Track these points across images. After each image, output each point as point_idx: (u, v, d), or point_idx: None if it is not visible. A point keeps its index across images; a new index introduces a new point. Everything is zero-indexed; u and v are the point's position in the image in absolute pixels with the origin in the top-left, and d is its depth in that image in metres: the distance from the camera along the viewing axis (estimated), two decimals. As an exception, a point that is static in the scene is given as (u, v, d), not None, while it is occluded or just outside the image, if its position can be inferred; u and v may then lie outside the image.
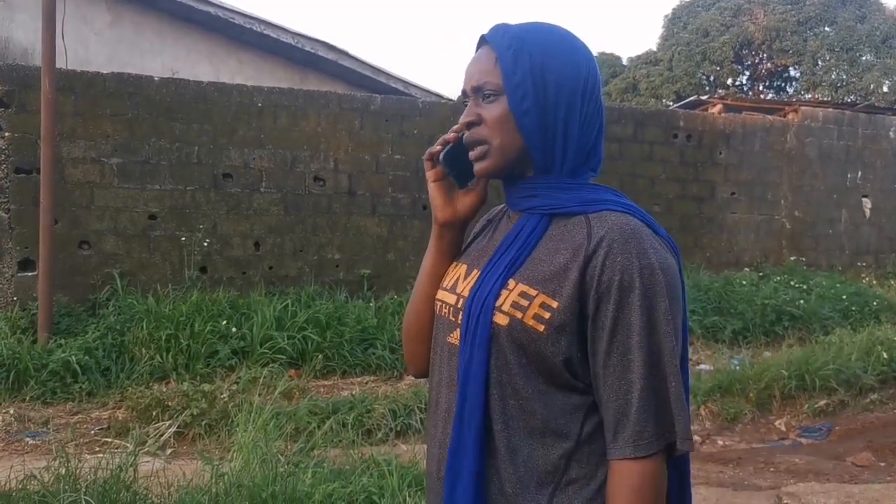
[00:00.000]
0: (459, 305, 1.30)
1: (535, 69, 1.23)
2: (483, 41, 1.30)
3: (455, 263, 1.40)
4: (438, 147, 1.34)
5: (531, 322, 1.20)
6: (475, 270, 1.32)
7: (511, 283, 1.23)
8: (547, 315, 1.19)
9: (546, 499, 1.21)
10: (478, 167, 1.29)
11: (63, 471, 3.16)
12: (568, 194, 1.26)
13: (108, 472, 3.21)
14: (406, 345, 1.49)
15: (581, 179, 1.28)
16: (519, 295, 1.21)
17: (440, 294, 1.38)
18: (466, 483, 1.22)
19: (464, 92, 1.31)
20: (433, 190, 1.38)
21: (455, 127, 1.32)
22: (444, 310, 1.36)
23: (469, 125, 1.28)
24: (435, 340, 1.39)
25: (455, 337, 1.30)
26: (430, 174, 1.37)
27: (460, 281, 1.34)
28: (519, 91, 1.23)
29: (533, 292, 1.21)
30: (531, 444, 1.22)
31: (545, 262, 1.23)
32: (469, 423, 1.22)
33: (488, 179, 1.37)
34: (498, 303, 1.22)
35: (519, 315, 1.20)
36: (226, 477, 3.34)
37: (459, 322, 1.28)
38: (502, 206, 1.43)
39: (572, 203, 1.25)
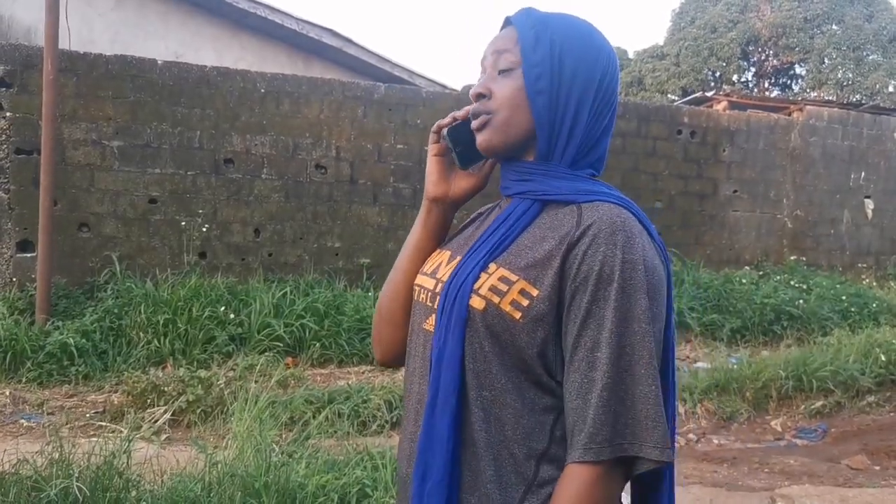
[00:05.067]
0: (437, 290, 1.25)
1: (555, 52, 1.21)
2: (507, 23, 1.29)
3: (439, 250, 1.36)
4: (448, 119, 1.31)
5: (508, 308, 1.14)
6: (458, 257, 1.28)
7: (492, 266, 1.18)
8: (525, 302, 1.14)
9: (518, 498, 1.14)
10: (479, 138, 1.25)
11: (56, 455, 3.15)
12: (563, 182, 1.22)
13: (102, 458, 3.20)
14: (376, 325, 1.43)
15: (580, 173, 1.25)
16: (499, 279, 1.16)
17: (419, 279, 1.33)
18: (437, 479, 1.15)
19: (481, 64, 1.28)
20: (431, 164, 1.35)
21: (465, 108, 1.30)
22: (423, 295, 1.30)
23: (479, 97, 1.25)
24: (411, 328, 1.33)
25: (430, 323, 1.25)
26: (432, 147, 1.35)
27: (442, 266, 1.30)
28: (536, 69, 1.21)
29: (513, 278, 1.16)
30: (503, 439, 1.15)
31: (530, 248, 1.18)
32: (442, 414, 1.16)
33: (492, 166, 1.34)
34: (476, 285, 1.17)
35: (496, 300, 1.15)
36: (219, 466, 3.33)
37: (436, 307, 1.23)
38: (496, 202, 1.39)
39: (566, 191, 1.21)
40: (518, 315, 1.14)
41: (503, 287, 1.15)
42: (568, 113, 1.22)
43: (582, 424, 1.09)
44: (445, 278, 1.25)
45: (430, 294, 1.28)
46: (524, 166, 1.26)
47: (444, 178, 1.34)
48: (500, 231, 1.22)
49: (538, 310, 1.13)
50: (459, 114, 1.30)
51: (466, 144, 1.30)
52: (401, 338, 1.38)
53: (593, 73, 1.22)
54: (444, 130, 1.31)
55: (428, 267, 1.33)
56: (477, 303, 1.16)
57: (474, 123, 1.25)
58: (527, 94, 1.21)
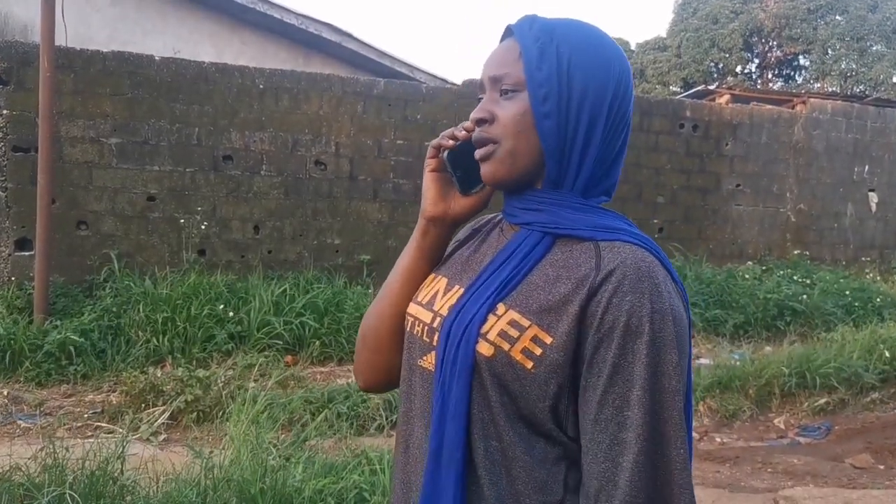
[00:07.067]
0: (436, 325, 1.15)
1: (563, 67, 1.09)
2: (509, 33, 1.16)
3: (434, 276, 1.25)
4: (450, 142, 1.19)
5: (519, 357, 1.04)
6: (457, 286, 1.17)
7: (500, 307, 1.07)
8: (538, 351, 1.04)
9: None
10: (484, 169, 1.14)
11: (50, 461, 3.12)
12: (577, 215, 1.11)
13: (96, 462, 3.17)
14: (359, 351, 1.32)
15: (593, 201, 1.14)
16: (508, 323, 1.06)
17: (413, 309, 1.23)
18: None
19: (480, 85, 1.16)
20: (429, 180, 1.23)
21: (466, 124, 1.17)
22: (418, 328, 1.19)
23: (480, 122, 1.13)
24: (406, 363, 1.23)
25: (429, 361, 1.15)
26: (430, 162, 1.22)
27: (439, 297, 1.19)
28: (542, 89, 1.09)
29: (525, 322, 1.05)
30: (514, 493, 1.07)
31: (543, 289, 1.07)
32: (447, 469, 1.07)
33: (493, 188, 1.20)
34: (483, 329, 1.06)
35: (506, 346, 1.05)
36: (215, 470, 3.30)
37: (435, 344, 1.13)
38: (493, 215, 1.29)
39: (581, 225, 1.10)
40: (530, 364, 1.04)
41: (514, 333, 1.05)
42: (579, 135, 1.10)
43: (612, 489, 0.99)
44: (444, 312, 1.15)
45: (426, 328, 1.17)
46: (533, 195, 1.15)
47: (443, 196, 1.23)
48: (508, 266, 1.12)
49: (552, 359, 1.03)
50: (460, 134, 1.18)
51: (467, 168, 1.19)
52: (385, 365, 1.30)
53: (605, 87, 1.11)
54: (444, 154, 1.20)
55: (423, 296, 1.23)
56: (485, 349, 1.06)
57: (478, 153, 1.14)
58: (533, 119, 1.10)
